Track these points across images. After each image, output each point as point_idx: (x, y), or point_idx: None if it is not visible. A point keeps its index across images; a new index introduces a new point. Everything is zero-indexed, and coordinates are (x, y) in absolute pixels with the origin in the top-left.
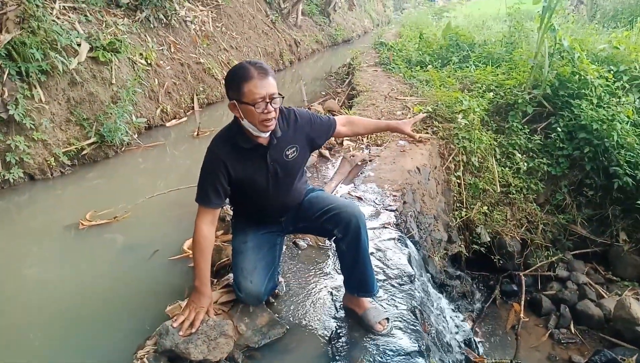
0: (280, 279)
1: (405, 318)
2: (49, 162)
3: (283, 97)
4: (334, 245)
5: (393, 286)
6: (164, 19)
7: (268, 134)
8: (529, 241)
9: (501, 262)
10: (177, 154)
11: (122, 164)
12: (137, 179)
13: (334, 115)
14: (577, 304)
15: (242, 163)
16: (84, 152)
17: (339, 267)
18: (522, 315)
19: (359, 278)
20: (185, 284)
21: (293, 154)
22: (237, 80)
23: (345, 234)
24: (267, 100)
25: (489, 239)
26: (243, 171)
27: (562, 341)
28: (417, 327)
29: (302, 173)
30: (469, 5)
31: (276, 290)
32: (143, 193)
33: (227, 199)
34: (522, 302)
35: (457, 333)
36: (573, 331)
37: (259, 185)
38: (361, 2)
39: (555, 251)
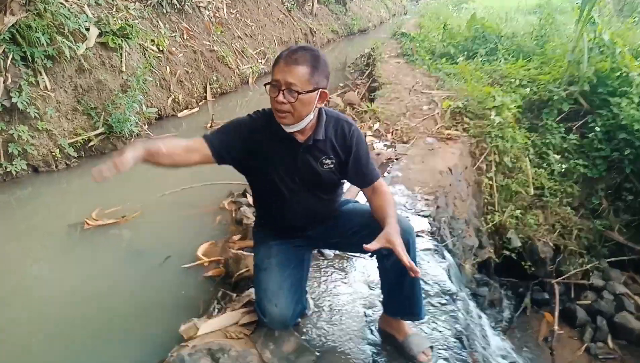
0: (308, 299)
1: (450, 346)
2: (53, 153)
3: (303, 93)
4: (376, 262)
5: (433, 305)
6: (177, 4)
7: (289, 130)
8: (562, 247)
9: (532, 269)
10: None
11: None
12: (146, 174)
13: (353, 108)
14: (615, 316)
15: (273, 152)
16: (91, 143)
17: (370, 280)
18: (555, 326)
19: (404, 301)
20: (201, 297)
21: (329, 167)
22: (274, 60)
23: (391, 251)
24: (282, 88)
25: (520, 244)
26: (269, 157)
27: (600, 356)
28: (465, 357)
29: (337, 189)
30: None
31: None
32: (152, 189)
33: (248, 188)
34: (556, 312)
35: (501, 356)
36: (611, 345)
37: (283, 183)
38: None
39: (590, 258)
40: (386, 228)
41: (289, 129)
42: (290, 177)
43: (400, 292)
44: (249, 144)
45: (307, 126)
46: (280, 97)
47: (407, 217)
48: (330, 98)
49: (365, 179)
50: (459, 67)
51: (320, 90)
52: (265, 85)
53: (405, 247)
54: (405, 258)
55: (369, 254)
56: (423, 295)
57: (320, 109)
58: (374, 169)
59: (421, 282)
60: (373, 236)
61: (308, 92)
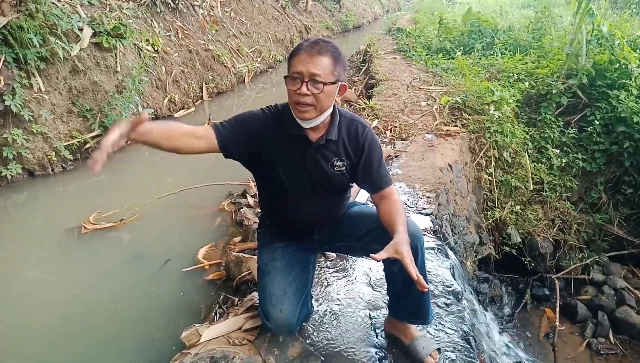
0: (313, 302)
1: (457, 348)
2: (49, 157)
3: (328, 84)
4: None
5: (439, 306)
6: (171, 3)
7: (308, 125)
8: (561, 242)
9: (532, 264)
10: None
11: (127, 158)
12: (144, 175)
13: (350, 105)
14: (616, 311)
15: (282, 149)
16: (87, 146)
17: (373, 281)
18: (556, 322)
19: (412, 304)
20: (201, 301)
21: (340, 169)
22: (291, 52)
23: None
24: (305, 79)
25: (519, 240)
26: (277, 156)
27: (602, 352)
28: (472, 358)
29: (344, 193)
30: None
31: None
32: (150, 190)
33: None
34: (557, 308)
35: (506, 354)
36: (613, 341)
37: (290, 183)
38: None
39: (590, 252)
40: (395, 238)
41: (306, 125)
42: (297, 177)
43: (408, 296)
44: (257, 140)
45: (321, 124)
46: (304, 89)
47: (409, 216)
48: None
49: (374, 184)
50: (456, 62)
51: (340, 83)
52: (285, 77)
53: (413, 252)
54: (414, 271)
55: None
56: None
57: (334, 108)
58: (386, 176)
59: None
60: (379, 241)
61: (332, 83)
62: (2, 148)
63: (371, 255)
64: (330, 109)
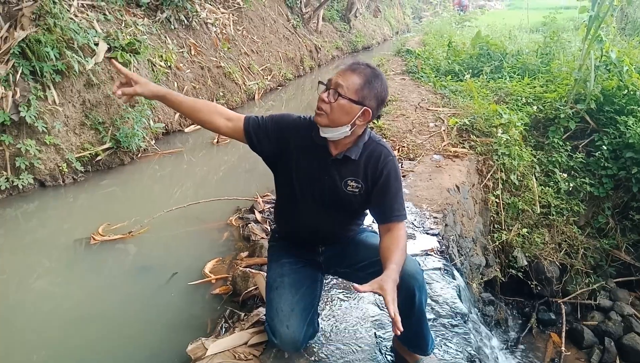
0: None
1: None
2: (61, 168)
3: (345, 98)
4: None
5: (444, 326)
6: (185, 21)
7: (322, 133)
8: (568, 266)
9: (538, 288)
10: (194, 162)
11: (137, 171)
12: (153, 188)
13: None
14: (623, 338)
15: (303, 154)
16: (98, 158)
17: (379, 299)
18: (562, 347)
19: (411, 336)
20: (207, 315)
21: (353, 190)
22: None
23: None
24: (330, 87)
25: (526, 263)
26: (296, 161)
27: None
28: None
29: (354, 216)
30: (488, 16)
31: None
32: (159, 203)
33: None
34: (563, 333)
35: None
36: None
37: (300, 190)
38: (381, 9)
39: (597, 278)
40: (383, 274)
41: (322, 133)
42: (308, 186)
43: (407, 329)
44: (284, 140)
45: (342, 140)
46: (324, 95)
47: (414, 235)
48: None
49: (384, 215)
50: (464, 84)
51: (364, 108)
52: (318, 82)
53: (409, 293)
54: (392, 309)
55: None
56: (433, 316)
57: (365, 131)
58: (399, 210)
59: (431, 305)
60: (377, 275)
61: (351, 100)
62: (15, 158)
63: (354, 285)
64: (346, 128)
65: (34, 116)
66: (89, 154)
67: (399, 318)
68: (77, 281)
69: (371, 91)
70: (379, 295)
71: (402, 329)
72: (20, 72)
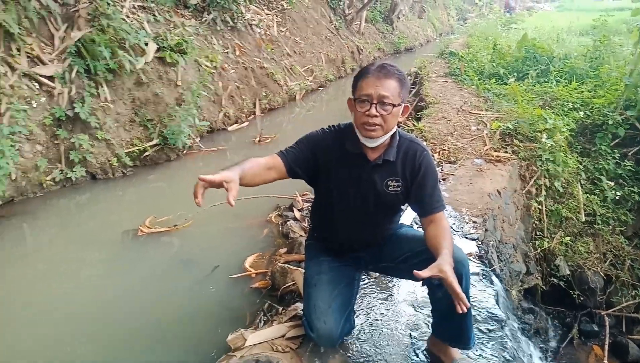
0: (355, 318)
1: None
2: (111, 162)
3: (396, 106)
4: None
5: (481, 331)
6: (230, 22)
7: (373, 144)
8: (613, 277)
9: (581, 298)
10: (237, 159)
11: (183, 167)
12: None
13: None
14: None
15: (339, 166)
16: (146, 153)
17: (416, 301)
18: (605, 360)
19: (454, 329)
20: (247, 308)
21: (395, 189)
22: (357, 75)
23: (442, 282)
24: (374, 101)
25: (568, 272)
26: (333, 172)
27: None
28: None
29: (394, 215)
30: (535, 18)
31: None
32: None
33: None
34: (606, 345)
35: None
36: None
37: (341, 200)
38: (426, 9)
39: None
40: (439, 259)
41: (371, 143)
42: (345, 194)
43: (451, 321)
44: (319, 157)
45: (380, 144)
46: (373, 111)
47: (454, 238)
48: None
49: (426, 208)
50: (509, 88)
51: (405, 105)
52: (354, 100)
53: (458, 278)
54: (457, 288)
55: (420, 281)
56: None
57: (395, 130)
58: (438, 201)
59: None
60: (424, 265)
61: (398, 105)
62: (69, 151)
63: (414, 271)
64: (394, 129)
65: (88, 112)
66: (138, 149)
67: (464, 297)
68: (123, 271)
69: (405, 88)
70: (440, 277)
71: (468, 305)
72: (75, 70)
